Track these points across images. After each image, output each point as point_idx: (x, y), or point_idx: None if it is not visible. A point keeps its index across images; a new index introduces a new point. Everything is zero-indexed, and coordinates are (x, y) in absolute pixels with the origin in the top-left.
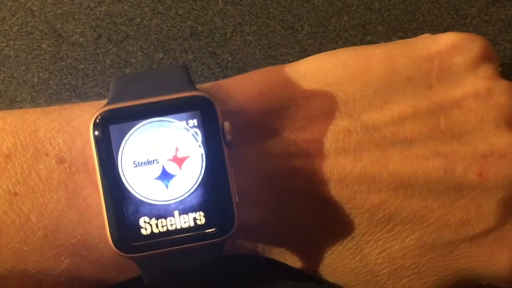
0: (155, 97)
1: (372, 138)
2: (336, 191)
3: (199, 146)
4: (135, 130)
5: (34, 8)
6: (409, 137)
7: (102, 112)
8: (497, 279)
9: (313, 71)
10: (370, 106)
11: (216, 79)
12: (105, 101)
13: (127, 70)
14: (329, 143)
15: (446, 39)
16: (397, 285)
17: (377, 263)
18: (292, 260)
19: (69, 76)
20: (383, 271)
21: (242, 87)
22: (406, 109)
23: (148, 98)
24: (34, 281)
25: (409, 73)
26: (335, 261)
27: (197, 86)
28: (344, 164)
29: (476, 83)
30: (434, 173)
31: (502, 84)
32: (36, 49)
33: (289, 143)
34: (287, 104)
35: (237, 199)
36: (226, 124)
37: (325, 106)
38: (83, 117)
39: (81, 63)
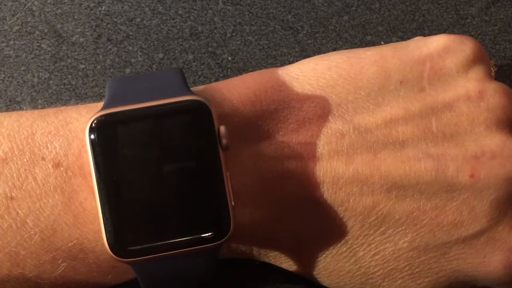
0: (151, 102)
1: (364, 141)
2: (329, 194)
3: (195, 150)
4: None
5: (34, 8)
6: (401, 139)
7: (98, 116)
8: (491, 281)
9: (306, 74)
10: (363, 108)
11: (216, 79)
12: (102, 103)
13: (127, 70)
14: (322, 145)
15: (438, 42)
16: (392, 286)
17: (371, 265)
18: (288, 264)
19: (69, 76)
20: (377, 273)
21: (237, 90)
22: (398, 111)
23: (144, 102)
24: (31, 285)
25: (401, 76)
26: (329, 265)
27: (192, 89)
28: (337, 167)
29: (467, 85)
30: (426, 174)
31: (492, 86)
32: (36, 49)
33: (283, 145)
34: (281, 107)
35: (233, 203)
36: (222, 128)
37: (318, 108)
38: (80, 120)
39: (81, 63)
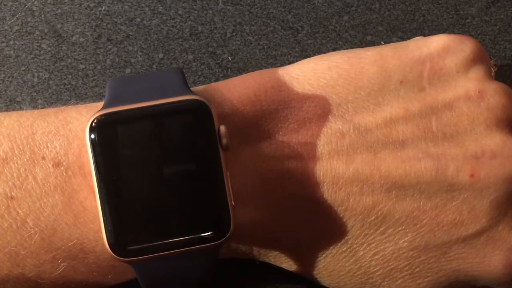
0: (151, 101)
1: (364, 140)
2: (329, 193)
3: (196, 150)
4: None
5: (34, 8)
6: (401, 138)
7: (98, 115)
8: (491, 280)
9: (306, 73)
10: (363, 108)
11: (216, 79)
12: (102, 103)
13: (127, 70)
14: (322, 145)
15: (438, 41)
16: (392, 286)
17: (371, 265)
18: (288, 263)
19: (69, 76)
20: (377, 273)
21: (237, 90)
22: (398, 111)
23: (144, 102)
24: (31, 285)
25: (401, 76)
26: (329, 264)
27: (192, 89)
28: (337, 167)
29: (467, 85)
30: (426, 174)
31: (492, 85)
32: (36, 49)
33: (283, 145)
34: (281, 107)
35: (233, 203)
36: (222, 128)
37: (318, 108)
38: (80, 120)
39: (81, 63)
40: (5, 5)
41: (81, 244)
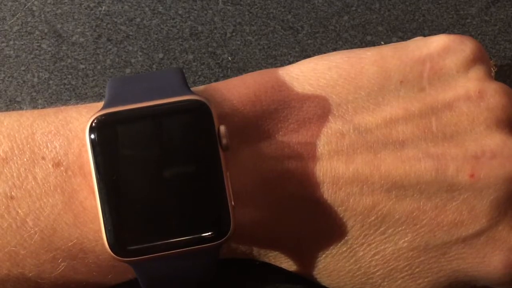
0: (151, 101)
1: (364, 140)
2: (329, 193)
3: (196, 150)
4: None
5: (34, 8)
6: (401, 139)
7: (98, 115)
8: (491, 281)
9: (306, 74)
10: (363, 108)
11: (216, 79)
12: (102, 103)
13: (127, 70)
14: (322, 145)
15: (438, 42)
16: (392, 286)
17: (371, 265)
18: (288, 264)
19: (69, 76)
20: (377, 273)
21: (237, 90)
22: (398, 111)
23: (144, 102)
24: (31, 285)
25: (401, 76)
26: (329, 265)
27: (192, 89)
28: (337, 167)
29: (467, 85)
30: (426, 174)
31: (492, 86)
32: (36, 49)
33: (283, 145)
34: (281, 107)
35: (233, 203)
36: (222, 128)
37: (318, 108)
38: (80, 120)
39: (81, 63)
40: (5, 5)
41: (81, 244)
